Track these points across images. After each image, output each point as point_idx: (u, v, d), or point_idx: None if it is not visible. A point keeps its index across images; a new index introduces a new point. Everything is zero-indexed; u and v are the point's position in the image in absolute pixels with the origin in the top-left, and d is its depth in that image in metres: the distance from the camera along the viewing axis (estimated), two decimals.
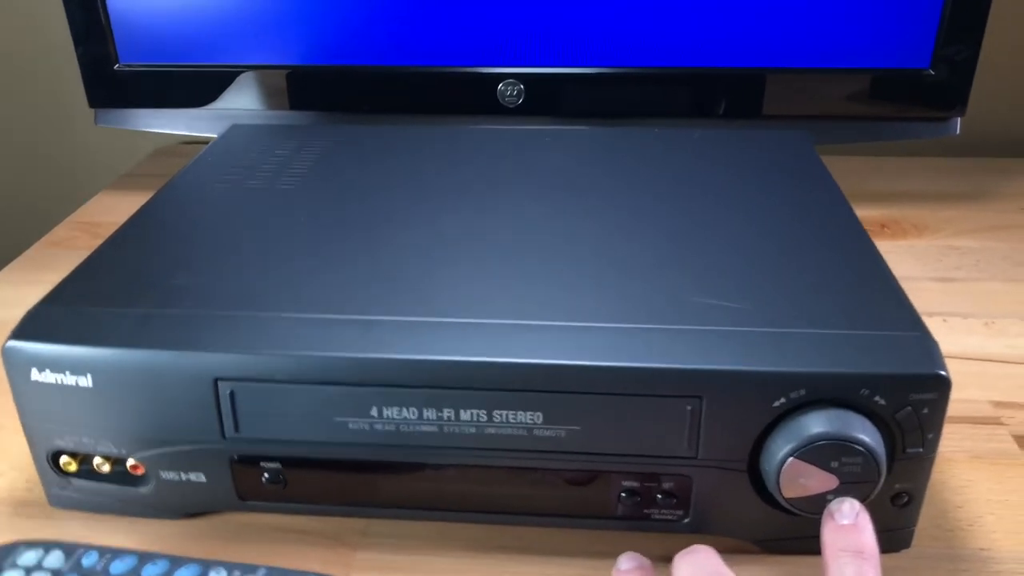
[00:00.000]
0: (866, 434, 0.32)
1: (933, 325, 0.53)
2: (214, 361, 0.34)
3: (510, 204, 0.46)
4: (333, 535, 0.38)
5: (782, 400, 0.33)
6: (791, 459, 0.33)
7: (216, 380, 0.34)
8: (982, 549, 0.37)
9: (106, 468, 0.37)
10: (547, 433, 0.34)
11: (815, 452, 0.32)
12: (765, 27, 0.63)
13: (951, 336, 0.52)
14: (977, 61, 0.61)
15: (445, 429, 0.34)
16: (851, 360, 0.33)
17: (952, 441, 0.43)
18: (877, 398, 0.33)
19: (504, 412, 0.34)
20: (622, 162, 0.51)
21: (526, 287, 0.37)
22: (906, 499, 0.35)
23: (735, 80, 0.64)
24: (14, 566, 0.32)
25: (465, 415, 0.34)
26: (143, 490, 0.37)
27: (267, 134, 0.56)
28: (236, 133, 0.57)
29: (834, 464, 0.33)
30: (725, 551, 0.36)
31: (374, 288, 0.37)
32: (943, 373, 0.32)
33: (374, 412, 0.34)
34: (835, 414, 0.33)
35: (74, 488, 0.38)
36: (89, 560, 0.32)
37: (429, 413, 0.34)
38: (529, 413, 0.34)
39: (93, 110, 0.68)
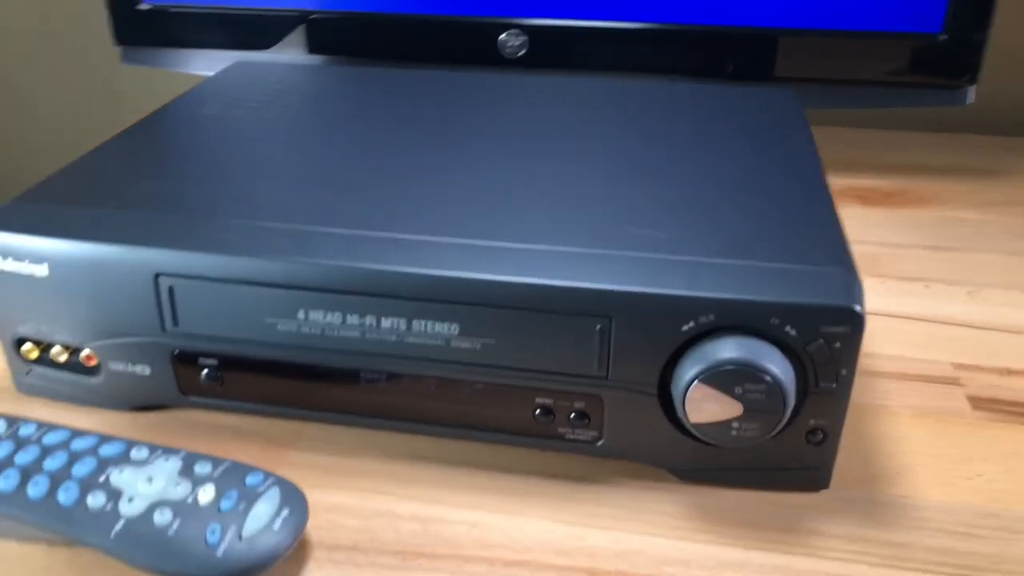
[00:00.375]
0: (773, 363, 0.33)
1: (913, 289, 0.53)
2: (156, 257, 0.36)
3: (476, 141, 0.47)
4: (269, 435, 0.39)
5: (691, 324, 0.33)
6: (696, 383, 0.33)
7: (157, 275, 0.36)
8: (903, 496, 0.37)
9: (63, 357, 0.39)
10: (464, 345, 0.35)
11: (720, 377, 0.33)
12: None
13: (927, 300, 0.51)
14: (990, 27, 0.60)
15: (367, 336, 0.36)
16: (763, 289, 0.33)
17: (901, 397, 0.43)
18: (788, 328, 0.33)
19: (423, 322, 0.35)
20: (602, 109, 0.52)
21: (465, 210, 0.38)
22: (821, 436, 0.35)
23: (742, 40, 0.64)
24: None
25: (386, 323, 0.35)
26: (95, 380, 0.40)
27: (268, 70, 0.58)
28: (238, 68, 0.59)
29: (738, 390, 0.33)
30: (641, 478, 0.37)
31: (320, 203, 0.39)
32: (856, 308, 0.32)
33: (301, 315, 0.36)
34: (743, 341, 0.33)
35: (36, 375, 0.41)
36: (26, 431, 0.35)
37: (352, 319, 0.35)
38: (446, 324, 0.35)
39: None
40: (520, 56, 0.65)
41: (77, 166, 0.43)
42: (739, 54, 0.64)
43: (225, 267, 0.35)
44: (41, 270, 0.37)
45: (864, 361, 0.45)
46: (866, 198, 0.65)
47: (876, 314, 0.50)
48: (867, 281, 0.53)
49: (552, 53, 0.65)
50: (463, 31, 0.65)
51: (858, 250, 0.57)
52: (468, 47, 0.66)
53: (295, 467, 0.38)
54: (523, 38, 0.65)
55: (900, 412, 0.42)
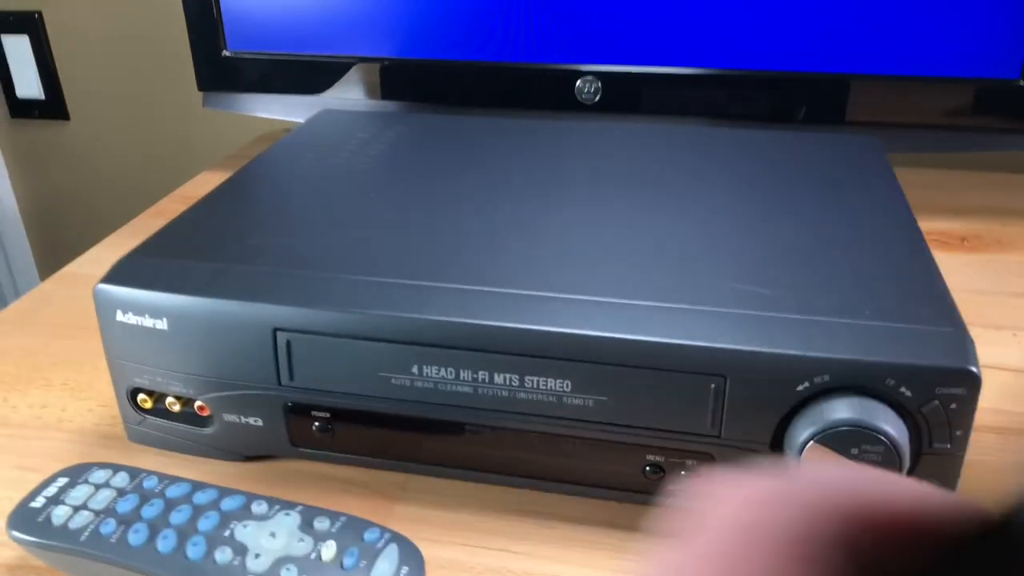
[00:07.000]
0: (889, 424, 0.33)
1: (1002, 338, 0.52)
2: (274, 313, 0.37)
3: (570, 191, 0.47)
4: (375, 487, 0.40)
5: (806, 384, 0.33)
6: (811, 443, 0.33)
7: (275, 330, 0.37)
8: None
9: (177, 408, 0.41)
10: (576, 401, 0.36)
11: (836, 438, 0.33)
12: (849, 33, 0.62)
13: (1018, 350, 0.51)
14: None
15: (479, 391, 0.36)
16: (878, 349, 0.33)
17: (1004, 454, 0.42)
18: (903, 389, 0.33)
19: (535, 378, 0.36)
20: (685, 157, 0.52)
21: (569, 264, 0.39)
22: None
23: (816, 85, 0.64)
24: (86, 482, 0.36)
25: (498, 378, 0.36)
26: (207, 431, 0.41)
27: (352, 119, 0.60)
28: (324, 117, 0.61)
29: (854, 451, 0.33)
30: None
31: (427, 257, 0.40)
32: (973, 369, 0.32)
33: (415, 370, 0.36)
34: (858, 402, 0.33)
35: (148, 425, 0.42)
36: (150, 483, 0.36)
37: (465, 374, 0.36)
38: (559, 380, 0.35)
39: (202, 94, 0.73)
40: (596, 102, 0.66)
41: (186, 219, 0.45)
42: (813, 99, 0.65)
43: (343, 323, 0.36)
44: (160, 324, 0.38)
45: None
46: (940, 242, 0.64)
47: None
48: None
49: (626, 98, 0.66)
50: (542, 78, 0.66)
51: None
52: (546, 93, 0.67)
53: (403, 520, 0.38)
54: (597, 84, 0.66)
55: (1003, 469, 0.41)
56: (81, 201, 1.02)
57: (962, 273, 0.60)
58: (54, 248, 1.07)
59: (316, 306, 0.36)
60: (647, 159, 0.52)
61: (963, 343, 0.34)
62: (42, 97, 0.95)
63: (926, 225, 0.66)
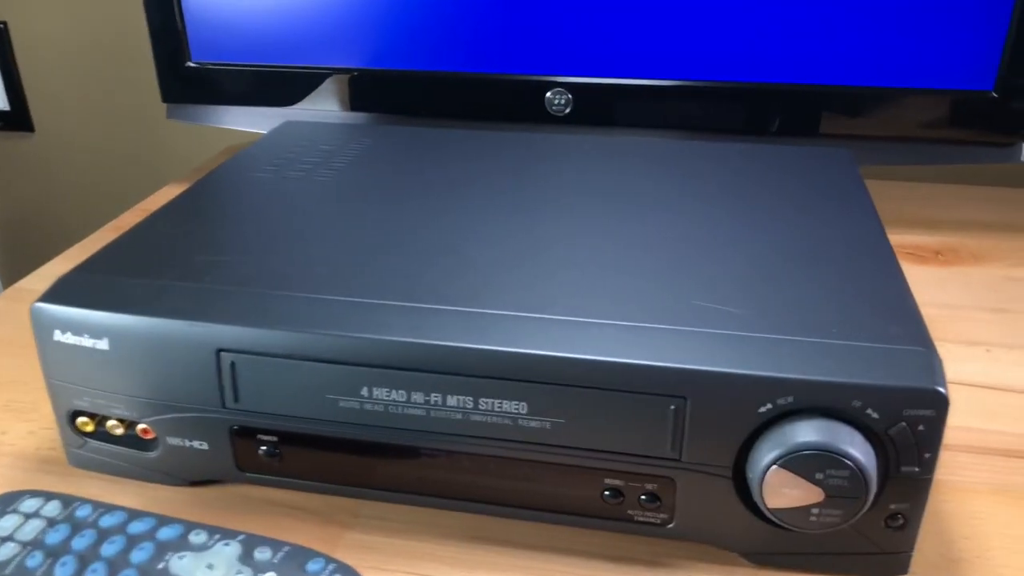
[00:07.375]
0: (855, 447, 0.31)
1: (974, 354, 0.51)
2: (218, 332, 0.35)
3: (532, 205, 0.46)
4: (326, 513, 0.38)
5: (768, 406, 0.32)
6: (775, 467, 0.32)
7: (219, 351, 0.35)
8: None
9: (119, 431, 0.39)
10: (531, 424, 0.34)
11: (800, 462, 0.32)
12: (822, 45, 0.62)
13: (990, 366, 0.50)
14: None
15: (432, 413, 0.35)
16: (843, 369, 0.32)
17: (975, 472, 0.41)
18: (869, 411, 0.32)
19: (489, 400, 0.34)
20: (654, 170, 0.51)
21: (528, 281, 0.38)
22: (901, 521, 0.34)
23: (789, 97, 0.63)
24: (15, 511, 0.34)
25: (451, 400, 0.34)
26: (151, 454, 0.39)
27: (315, 130, 0.58)
28: (287, 128, 0.59)
29: (819, 476, 0.32)
30: (711, 561, 0.36)
31: (379, 274, 0.38)
32: (941, 390, 0.31)
33: (364, 392, 0.35)
34: (823, 424, 0.32)
35: (90, 448, 0.40)
36: (83, 512, 0.34)
37: (417, 396, 0.35)
38: (514, 402, 0.34)
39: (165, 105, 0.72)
40: (566, 114, 0.65)
41: (135, 234, 0.43)
42: (786, 111, 0.64)
43: (288, 343, 0.35)
44: (101, 344, 0.37)
45: None
46: (915, 255, 0.64)
47: None
48: None
49: (597, 111, 0.65)
50: (511, 89, 0.65)
51: None
52: (516, 105, 0.65)
53: (353, 548, 0.37)
54: (567, 96, 0.64)
55: (974, 488, 0.40)
56: (46, 214, 1.00)
57: (937, 287, 0.59)
58: (18, 262, 1.04)
59: (260, 325, 0.35)
60: (615, 172, 0.51)
61: (931, 363, 0.32)
62: (7, 108, 0.94)
63: (900, 238, 0.66)
